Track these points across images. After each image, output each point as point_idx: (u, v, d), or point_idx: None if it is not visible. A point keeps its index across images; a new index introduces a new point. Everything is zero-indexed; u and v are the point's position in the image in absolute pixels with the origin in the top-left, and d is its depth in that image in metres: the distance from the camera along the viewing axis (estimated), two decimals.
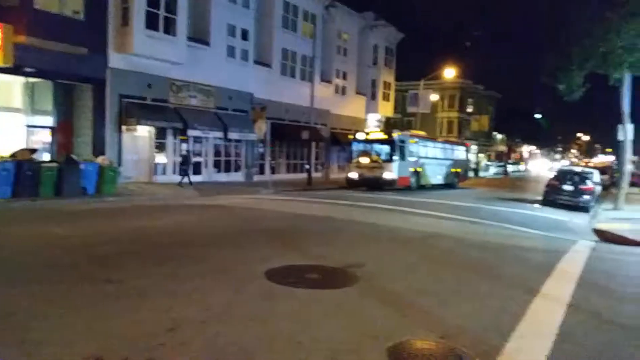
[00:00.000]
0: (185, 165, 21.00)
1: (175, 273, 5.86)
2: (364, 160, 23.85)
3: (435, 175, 27.39)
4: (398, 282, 5.94)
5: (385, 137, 23.95)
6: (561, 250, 8.79)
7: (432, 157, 27.38)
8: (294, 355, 3.65)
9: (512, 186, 33.97)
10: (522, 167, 72.17)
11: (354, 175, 24.00)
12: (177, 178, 21.51)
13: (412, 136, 26.09)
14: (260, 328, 4.17)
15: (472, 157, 63.96)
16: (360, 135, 24.99)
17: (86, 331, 3.93)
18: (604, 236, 11.99)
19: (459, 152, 31.83)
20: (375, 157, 23.73)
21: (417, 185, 24.89)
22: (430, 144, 27.96)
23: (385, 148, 23.72)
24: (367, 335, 4.08)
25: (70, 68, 17.03)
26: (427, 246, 8.89)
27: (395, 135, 23.77)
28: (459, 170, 30.27)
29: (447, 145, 30.78)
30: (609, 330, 4.57)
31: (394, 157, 23.16)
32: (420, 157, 25.65)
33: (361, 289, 5.51)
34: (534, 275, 6.60)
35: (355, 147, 24.88)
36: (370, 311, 4.77)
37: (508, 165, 61.84)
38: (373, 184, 23.10)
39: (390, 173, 22.97)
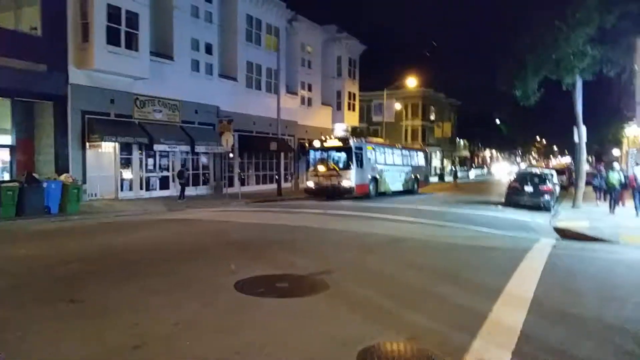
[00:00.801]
0: (182, 179, 21.84)
1: (142, 289, 5.77)
2: (321, 168, 23.37)
3: (395, 181, 27.10)
4: (366, 287, 6.01)
5: (342, 144, 23.54)
6: (524, 249, 9.06)
7: (390, 163, 27.05)
8: None
9: (475, 190, 34.73)
10: (485, 170, 73.94)
11: (311, 184, 23.68)
12: (143, 194, 21.22)
13: (370, 143, 25.77)
14: (230, 340, 4.16)
15: (436, 162, 65.39)
16: (316, 143, 24.42)
17: (47, 354, 3.83)
18: (564, 234, 12.45)
19: (419, 158, 31.61)
20: (332, 165, 23.25)
21: (375, 192, 24.46)
22: (388, 150, 27.56)
23: (343, 155, 23.31)
24: (337, 342, 4.12)
25: (29, 85, 16.61)
26: (394, 250, 9.03)
27: (352, 142, 23.38)
28: (418, 176, 30.07)
29: (406, 152, 30.34)
30: (572, 326, 4.72)
31: (352, 165, 22.74)
32: (378, 164, 25.31)
33: (330, 296, 5.56)
34: (498, 274, 6.79)
35: (313, 155, 24.47)
36: (339, 317, 4.82)
37: (472, 170, 63.25)
38: (331, 192, 22.70)
39: (348, 181, 22.57)
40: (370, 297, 5.54)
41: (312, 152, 24.48)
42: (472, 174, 62.59)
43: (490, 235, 11.53)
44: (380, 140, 29.82)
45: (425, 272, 7.13)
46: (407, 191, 28.11)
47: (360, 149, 23.58)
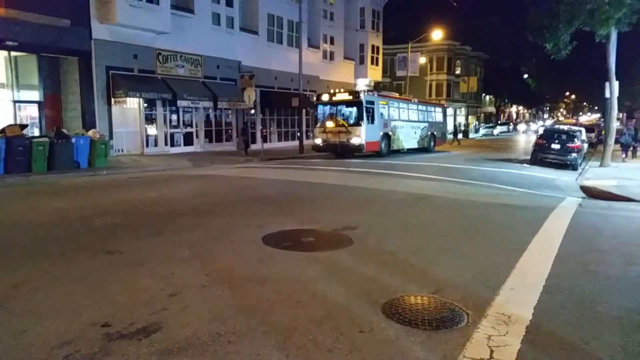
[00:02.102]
0: (245, 135, 23.22)
1: (173, 242, 6.00)
2: (330, 124, 22.16)
3: (409, 139, 25.83)
4: (390, 243, 6.12)
5: (352, 98, 21.94)
6: (549, 207, 9.03)
7: (405, 119, 25.67)
8: (293, 313, 3.83)
9: (499, 147, 34.23)
10: (510, 127, 72.43)
11: (319, 141, 22.47)
12: (168, 149, 21.62)
13: (382, 97, 24.38)
14: (260, 289, 4.35)
15: (461, 118, 64.20)
16: (324, 97, 22.82)
17: (90, 300, 4.06)
18: (591, 192, 12.29)
19: (436, 114, 30.16)
20: (341, 121, 21.99)
21: (388, 150, 23.33)
22: (403, 105, 26.08)
23: (353, 110, 21.96)
24: (361, 293, 4.26)
25: (53, 41, 16.74)
26: (417, 207, 9.08)
27: (363, 95, 21.91)
28: (435, 133, 28.80)
29: (422, 107, 28.69)
30: (594, 281, 4.78)
31: (362, 121, 21.34)
32: (391, 120, 24.05)
33: (355, 251, 5.69)
34: (522, 232, 6.81)
35: (321, 110, 23.12)
36: (364, 271, 4.95)
37: (497, 127, 62.00)
38: (339, 150, 21.84)
39: (358, 138, 21.26)
40: (394, 252, 5.65)
41: (319, 107, 23.16)
42: (497, 130, 61.42)
43: (515, 193, 11.46)
44: (394, 94, 28.31)
45: (448, 229, 7.19)
46: (423, 149, 27.16)
47: (372, 103, 22.36)
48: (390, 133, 23.63)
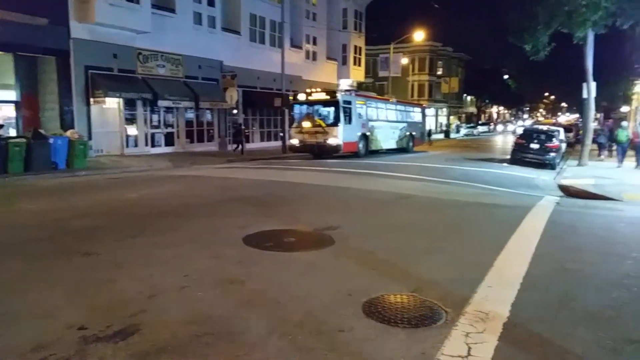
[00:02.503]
0: (239, 136, 23.33)
1: (152, 243, 5.94)
2: (306, 124, 21.67)
3: (387, 139, 25.50)
4: (372, 242, 6.15)
5: (329, 98, 21.46)
6: (527, 206, 9.17)
7: (383, 119, 25.36)
8: (273, 313, 3.82)
9: (480, 147, 34.64)
10: (491, 127, 73.39)
11: (295, 141, 21.94)
12: (148, 150, 21.39)
13: (360, 96, 24.18)
14: (240, 290, 4.33)
15: (442, 119, 64.82)
16: (301, 96, 22.34)
17: (67, 303, 4.00)
18: (569, 191, 12.53)
19: (414, 114, 29.96)
20: (318, 121, 21.54)
21: (366, 150, 22.98)
22: (381, 105, 25.75)
23: (330, 110, 21.50)
24: (342, 293, 4.27)
25: (31, 39, 16.43)
26: (401, 207, 9.14)
27: (340, 95, 21.46)
28: (413, 133, 28.57)
29: (401, 107, 28.41)
30: (570, 278, 4.86)
31: (339, 121, 20.95)
32: (369, 120, 23.66)
33: (336, 250, 5.70)
34: (501, 230, 6.91)
35: (297, 109, 22.68)
36: (345, 270, 4.97)
37: (478, 127, 62.83)
38: (316, 150, 21.39)
39: (335, 138, 20.86)
40: (375, 252, 5.68)
41: (296, 107, 22.69)
42: (478, 130, 62.20)
43: (494, 193, 11.62)
44: (372, 94, 28.20)
45: (429, 228, 7.26)
46: (401, 149, 26.92)
47: (349, 103, 21.96)
48: (368, 133, 23.30)
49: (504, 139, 47.51)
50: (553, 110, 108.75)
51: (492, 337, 3.43)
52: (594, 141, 22.91)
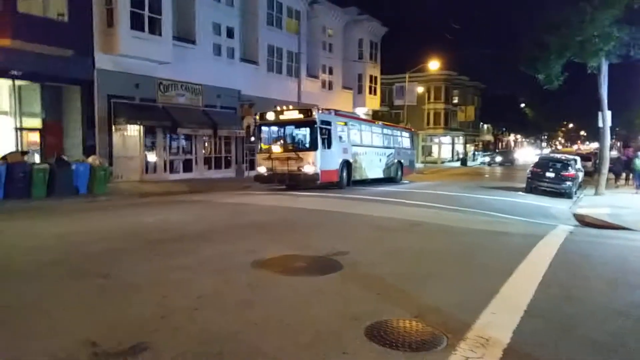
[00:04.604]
0: None
1: (167, 266, 6.12)
2: (276, 149, 18.55)
3: (373, 167, 22.30)
4: (379, 268, 6.24)
5: (303, 117, 18.13)
6: (539, 235, 9.16)
7: (368, 144, 22.05)
8: (283, 336, 3.93)
9: (495, 176, 34.43)
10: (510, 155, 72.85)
11: (262, 169, 18.69)
12: (167, 176, 21.84)
13: (341, 116, 20.68)
14: (250, 313, 4.45)
15: (459, 147, 64.64)
16: (269, 116, 18.90)
17: (81, 321, 4.17)
18: (584, 220, 12.43)
19: (403, 139, 26.84)
20: (290, 146, 18.64)
21: (348, 180, 19.79)
22: (365, 127, 22.57)
23: (304, 132, 18.56)
24: (348, 317, 4.37)
25: (57, 70, 17.16)
26: (411, 234, 9.20)
27: (316, 114, 18.00)
28: (402, 160, 25.44)
29: (387, 130, 25.10)
30: (576, 306, 4.87)
31: (316, 145, 17.77)
32: (352, 145, 20.38)
33: (344, 275, 5.81)
34: (510, 258, 6.93)
35: (266, 132, 19.30)
36: (352, 295, 5.07)
37: (496, 155, 62.32)
38: (288, 180, 18.43)
39: (311, 166, 17.67)
40: (382, 278, 5.77)
41: (264, 128, 19.28)
42: (499, 158, 61.58)
43: (507, 221, 11.61)
44: (355, 114, 25.38)
45: (438, 254, 7.32)
46: (389, 179, 23.89)
47: (329, 124, 18.59)
48: (351, 160, 20.10)
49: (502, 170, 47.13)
50: (572, 138, 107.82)
51: None
52: (611, 170, 22.83)
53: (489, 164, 53.76)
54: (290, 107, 19.45)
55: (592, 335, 4.09)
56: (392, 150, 24.70)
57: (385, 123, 27.09)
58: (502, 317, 4.41)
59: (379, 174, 22.94)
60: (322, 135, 18.06)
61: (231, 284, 5.38)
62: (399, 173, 25.04)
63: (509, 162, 52.73)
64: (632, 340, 4.02)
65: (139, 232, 8.90)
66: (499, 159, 55.29)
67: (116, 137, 20.30)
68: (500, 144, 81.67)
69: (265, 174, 18.60)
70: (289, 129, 19.07)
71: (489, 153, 63.61)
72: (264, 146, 19.14)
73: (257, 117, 19.40)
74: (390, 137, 24.95)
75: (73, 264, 6.25)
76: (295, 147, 18.51)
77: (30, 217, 11.05)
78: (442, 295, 5.11)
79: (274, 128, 19.28)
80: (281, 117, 18.79)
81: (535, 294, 5.16)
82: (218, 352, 3.57)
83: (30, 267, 6.08)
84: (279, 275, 5.74)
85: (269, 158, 18.47)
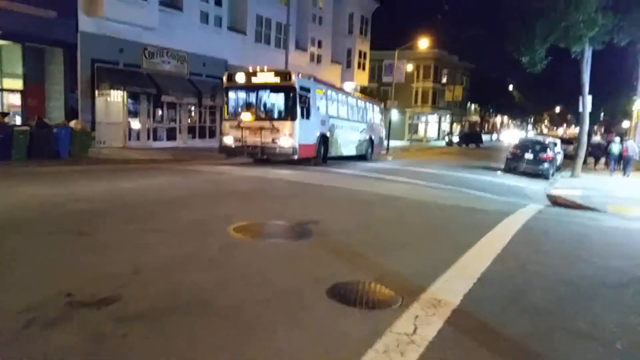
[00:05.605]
0: None
1: (144, 229, 6.30)
2: (247, 117, 16.29)
3: (348, 143, 20.60)
4: (349, 237, 6.51)
5: (279, 81, 16.00)
6: (507, 212, 9.51)
7: (344, 117, 20.17)
8: (245, 292, 4.18)
9: (478, 155, 34.93)
10: (494, 136, 73.62)
11: (229, 140, 16.58)
12: (150, 143, 21.77)
13: (319, 83, 18.44)
14: (217, 272, 4.69)
15: (445, 126, 64.87)
16: (239, 77, 16.53)
17: (58, 274, 4.37)
18: (555, 201, 12.85)
19: (375, 114, 24.97)
20: (263, 114, 16.49)
21: (324, 156, 18.19)
22: (342, 98, 20.46)
23: (280, 99, 16.34)
24: (312, 279, 4.63)
25: (39, 31, 16.89)
26: (385, 207, 9.49)
27: (296, 78, 15.96)
28: (372, 137, 23.82)
29: (361, 103, 23.28)
30: (527, 277, 5.18)
31: (295, 114, 15.86)
32: (329, 117, 18.58)
33: (314, 242, 6.06)
34: (475, 232, 7.23)
35: (233, 96, 16.96)
36: (319, 260, 5.33)
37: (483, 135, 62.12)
38: (260, 154, 16.34)
39: (288, 138, 15.77)
40: (350, 245, 6.04)
41: (232, 92, 17.00)
42: (455, 139, 61.17)
43: (481, 198, 11.96)
44: (331, 82, 22.82)
45: (408, 227, 7.62)
46: (360, 157, 22.32)
47: (308, 90, 16.66)
48: (327, 134, 18.30)
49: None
50: (558, 122, 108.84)
51: (439, 320, 3.78)
52: (591, 154, 23.52)
53: (449, 144, 52.81)
54: (265, 68, 16.66)
55: (536, 301, 4.41)
56: (365, 126, 23.20)
57: (359, 95, 25.35)
58: (455, 283, 4.72)
59: (352, 150, 21.47)
60: (302, 104, 16.16)
61: (204, 247, 5.60)
62: (370, 150, 23.58)
63: (473, 143, 51.96)
64: (570, 306, 4.36)
65: (118, 195, 9.04)
66: (455, 139, 53.75)
67: (99, 102, 20.13)
68: (487, 125, 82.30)
69: (233, 146, 16.54)
70: (263, 94, 16.60)
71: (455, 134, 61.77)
72: (231, 114, 16.91)
73: (225, 79, 17.08)
74: (363, 110, 23.43)
75: (50, 222, 6.40)
76: (270, 116, 16.38)
77: (10, 178, 11.08)
78: (404, 263, 5.40)
79: (245, 92, 16.82)
80: (254, 79, 16.40)
81: (491, 265, 5.47)
82: (183, 305, 3.82)
83: (9, 225, 6.23)
84: (251, 240, 5.98)
85: (238, 127, 16.23)
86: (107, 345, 3.10)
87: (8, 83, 17.69)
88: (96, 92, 19.72)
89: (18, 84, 17.85)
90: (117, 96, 20.80)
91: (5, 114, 15.13)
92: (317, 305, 3.96)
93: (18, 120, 17.06)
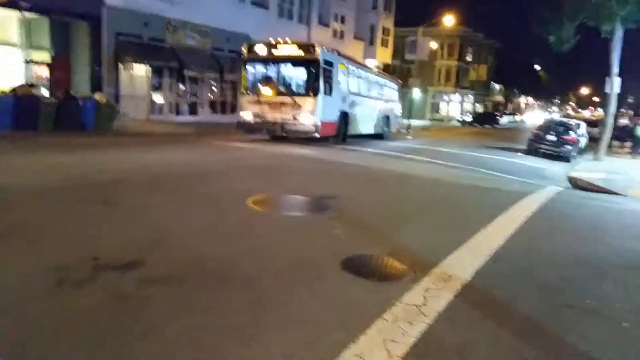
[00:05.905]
0: None
1: (167, 200, 6.53)
2: (267, 91, 15.61)
3: (367, 120, 19.89)
4: (366, 212, 6.63)
5: (303, 54, 15.26)
6: (526, 192, 9.49)
7: (364, 94, 19.56)
8: (262, 262, 4.35)
9: (499, 136, 34.46)
10: (517, 117, 72.32)
11: (248, 116, 15.90)
12: (173, 117, 22.05)
13: (342, 57, 17.61)
14: (236, 242, 4.88)
15: (468, 106, 63.91)
16: (259, 49, 15.74)
17: (84, 238, 4.61)
18: (575, 183, 12.72)
19: (392, 92, 24.22)
20: (284, 88, 15.83)
21: (344, 135, 17.40)
22: (362, 73, 19.78)
23: (302, 73, 15.66)
24: (327, 250, 4.78)
25: (66, 4, 17.14)
26: (403, 185, 9.58)
27: (320, 51, 15.20)
28: (389, 116, 23.18)
29: (381, 80, 22.65)
30: (539, 255, 5.24)
31: (318, 89, 15.12)
32: (350, 93, 17.81)
33: (331, 217, 6.19)
34: (490, 211, 7.26)
35: (252, 69, 16.20)
36: (335, 233, 5.47)
37: (504, 116, 61.32)
38: (280, 131, 15.63)
39: (310, 116, 15.06)
40: (367, 220, 6.17)
41: (251, 65, 16.22)
42: (505, 120, 61.16)
43: (499, 179, 11.92)
44: (353, 57, 21.59)
45: (424, 204, 7.71)
46: (377, 135, 21.64)
47: (331, 65, 15.95)
48: (348, 111, 17.51)
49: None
50: (585, 104, 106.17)
51: (449, 293, 3.90)
52: (616, 137, 22.98)
53: (462, 123, 53.26)
54: (288, 40, 15.86)
55: (546, 279, 4.49)
56: (383, 103, 22.50)
57: (378, 71, 24.59)
58: (467, 259, 4.81)
59: (370, 129, 20.69)
60: (325, 79, 15.43)
61: (224, 218, 5.79)
62: (388, 129, 22.89)
63: (487, 124, 51.98)
64: (581, 284, 4.42)
65: (142, 167, 9.30)
66: (468, 119, 54.34)
67: (123, 76, 20.43)
68: (510, 106, 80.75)
69: (253, 122, 15.82)
70: (284, 67, 15.97)
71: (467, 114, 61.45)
72: (250, 88, 16.10)
73: (244, 50, 16.18)
74: (382, 87, 22.74)
75: (79, 191, 6.67)
76: (291, 91, 15.70)
77: (37, 147, 11.46)
78: (417, 239, 5.51)
79: (265, 65, 16.05)
80: (275, 51, 15.61)
81: (505, 243, 5.54)
82: (203, 272, 4.01)
83: (37, 190, 6.51)
84: (270, 213, 6.15)
85: (257, 102, 15.58)
86: (131, 305, 3.31)
87: (36, 55, 18.07)
88: (120, 65, 19.99)
89: (45, 56, 18.22)
90: (140, 70, 21.05)
91: (32, 86, 15.51)
92: (330, 276, 4.11)
93: (45, 92, 17.45)
